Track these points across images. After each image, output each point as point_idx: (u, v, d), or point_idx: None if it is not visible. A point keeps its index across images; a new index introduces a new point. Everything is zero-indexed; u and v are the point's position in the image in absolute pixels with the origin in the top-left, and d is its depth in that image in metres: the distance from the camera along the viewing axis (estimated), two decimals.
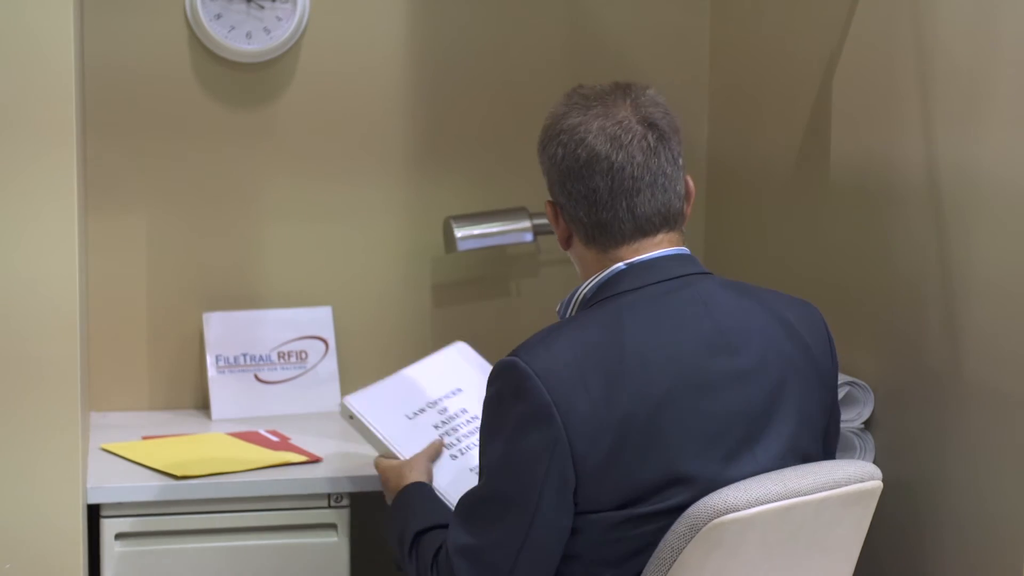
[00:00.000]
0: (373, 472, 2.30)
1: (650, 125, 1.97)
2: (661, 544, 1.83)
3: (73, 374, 2.14)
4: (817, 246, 2.57)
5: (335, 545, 2.40)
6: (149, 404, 2.85)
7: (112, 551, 2.33)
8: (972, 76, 2.08)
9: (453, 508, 2.00)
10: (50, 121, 2.10)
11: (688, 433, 1.85)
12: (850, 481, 1.90)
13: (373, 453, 2.34)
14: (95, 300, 2.74)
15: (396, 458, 2.28)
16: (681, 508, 1.83)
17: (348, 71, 2.86)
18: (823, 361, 2.00)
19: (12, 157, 2.09)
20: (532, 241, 2.86)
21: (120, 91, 2.76)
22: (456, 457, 2.29)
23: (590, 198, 1.94)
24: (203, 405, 2.84)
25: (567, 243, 2.02)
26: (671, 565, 1.82)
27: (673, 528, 1.82)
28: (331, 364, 2.86)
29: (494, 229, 2.83)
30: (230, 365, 2.82)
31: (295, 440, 2.59)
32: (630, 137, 1.95)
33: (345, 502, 2.39)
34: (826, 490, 1.87)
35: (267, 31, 2.79)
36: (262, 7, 2.78)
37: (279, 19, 2.79)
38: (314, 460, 2.46)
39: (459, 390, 2.41)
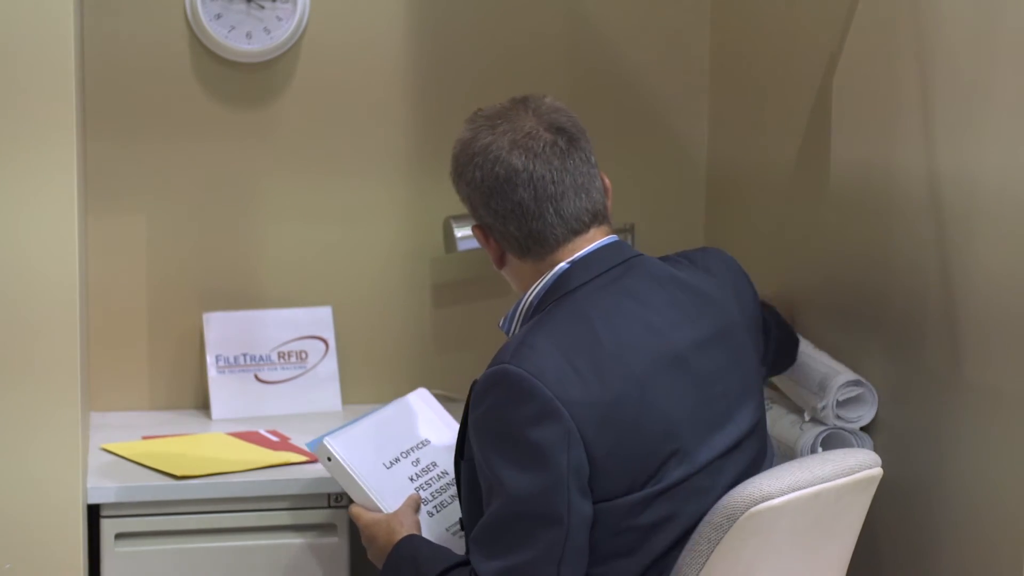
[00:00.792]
0: None
1: (558, 130, 2.00)
2: (696, 536, 1.87)
3: (73, 374, 2.14)
4: (817, 248, 2.57)
5: (335, 545, 2.40)
6: (149, 404, 2.85)
7: (112, 551, 2.33)
8: (973, 81, 2.08)
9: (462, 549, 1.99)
10: (50, 121, 2.10)
11: (675, 406, 1.91)
12: (861, 468, 1.97)
13: None
14: (95, 300, 2.74)
15: (377, 509, 2.18)
16: (679, 483, 1.89)
17: (348, 71, 2.86)
18: (745, 297, 2.10)
19: (12, 156, 2.09)
20: None
21: (120, 91, 2.76)
22: (432, 514, 2.22)
23: (517, 211, 1.98)
24: (203, 405, 2.84)
25: (500, 262, 2.05)
26: (709, 555, 1.85)
27: (708, 519, 1.87)
28: (331, 364, 2.86)
29: None
30: (230, 365, 2.82)
31: (295, 440, 2.59)
32: (542, 145, 1.98)
33: (345, 502, 2.39)
34: (844, 476, 1.94)
35: (267, 31, 2.79)
36: (262, 7, 2.78)
37: (279, 19, 2.79)
38: (314, 460, 2.46)
39: (427, 441, 2.31)
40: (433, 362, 2.93)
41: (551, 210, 1.97)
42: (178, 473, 2.36)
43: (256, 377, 2.83)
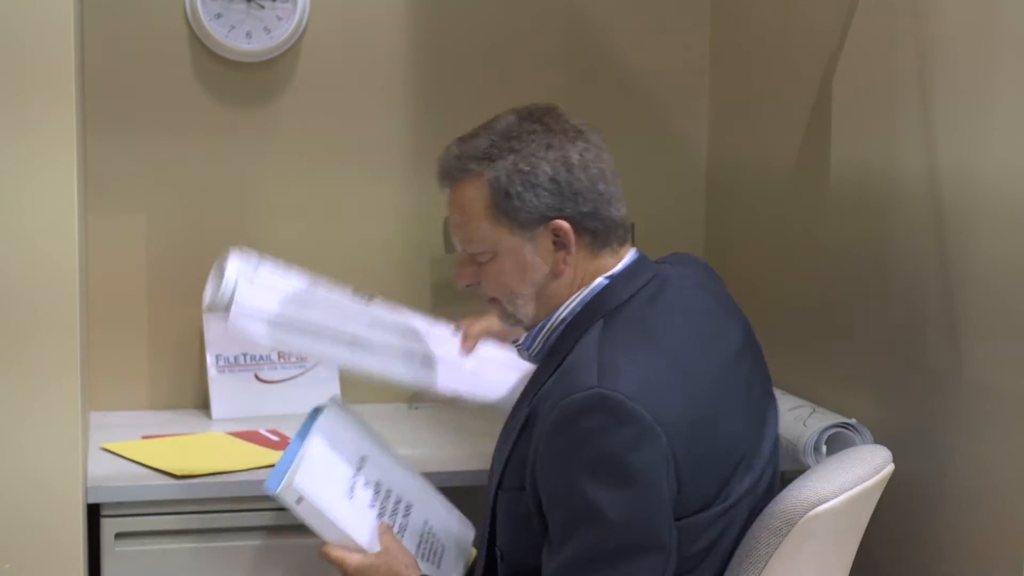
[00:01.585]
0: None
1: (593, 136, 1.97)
2: (752, 541, 1.87)
3: (73, 373, 2.14)
4: (817, 248, 2.57)
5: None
6: (149, 404, 2.85)
7: (112, 551, 2.32)
8: (973, 78, 2.08)
9: None
10: (50, 120, 2.10)
11: (738, 419, 1.90)
12: (885, 465, 2.02)
13: None
14: (95, 299, 2.74)
15: (358, 548, 2.01)
16: (746, 494, 1.88)
17: (348, 71, 2.86)
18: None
19: (12, 156, 2.09)
20: None
21: (120, 91, 2.76)
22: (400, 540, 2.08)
23: (596, 200, 1.92)
24: (203, 405, 2.84)
25: (559, 269, 1.93)
26: (768, 560, 1.86)
27: (765, 524, 1.87)
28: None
29: None
30: (230, 365, 2.82)
31: None
32: (595, 151, 1.95)
33: None
34: (875, 475, 1.98)
35: (267, 31, 2.79)
36: (262, 7, 2.78)
37: (279, 19, 2.79)
38: None
39: (365, 458, 2.15)
40: None
41: (614, 209, 1.94)
42: (178, 473, 2.36)
43: (256, 377, 2.83)
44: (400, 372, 2.20)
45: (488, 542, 1.99)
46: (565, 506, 1.80)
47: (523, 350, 2.00)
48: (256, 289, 2.11)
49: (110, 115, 2.75)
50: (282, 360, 2.84)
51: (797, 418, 2.41)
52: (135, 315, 2.81)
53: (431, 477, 2.26)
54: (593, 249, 1.94)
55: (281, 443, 2.58)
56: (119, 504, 2.33)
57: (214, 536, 2.36)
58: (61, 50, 2.09)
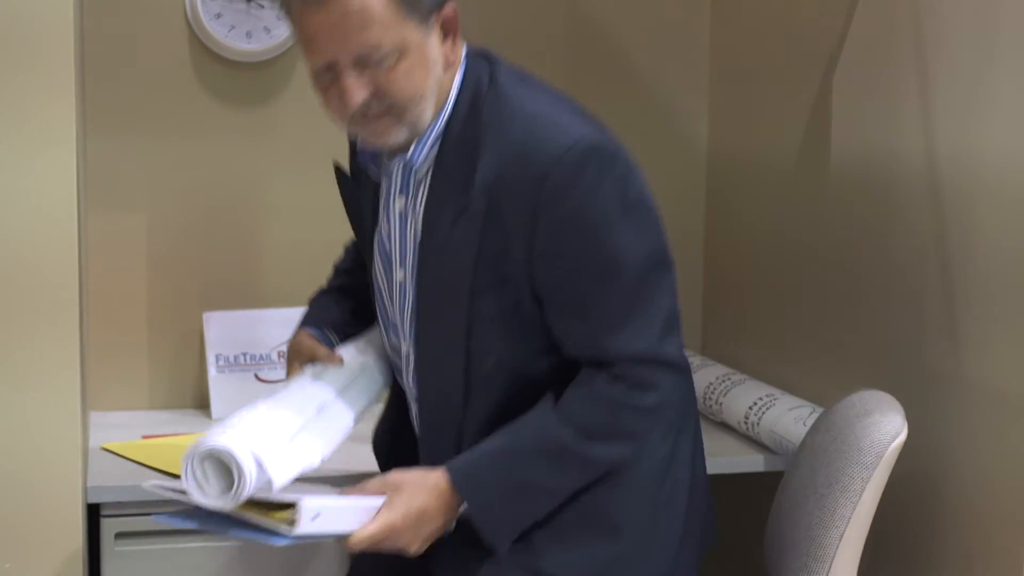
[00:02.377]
0: (374, 469, 2.20)
1: None
2: (847, 478, 2.04)
3: (73, 373, 2.14)
4: (817, 242, 2.56)
5: (335, 545, 2.40)
6: (149, 404, 2.84)
7: (112, 550, 2.32)
8: (972, 70, 2.08)
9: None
10: (50, 120, 2.10)
11: None
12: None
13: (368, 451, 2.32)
14: (95, 299, 2.74)
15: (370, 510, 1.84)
16: None
17: None
18: None
19: (13, 156, 2.09)
20: None
21: (120, 91, 2.76)
22: None
23: None
24: (203, 405, 2.84)
25: (452, 52, 1.88)
26: (861, 493, 2.04)
27: (856, 460, 2.05)
28: None
29: None
30: (230, 365, 2.82)
31: None
32: None
33: None
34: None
35: (267, 30, 2.79)
36: (262, 6, 2.78)
37: (279, 18, 2.78)
38: None
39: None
40: None
41: None
42: (178, 472, 2.35)
43: (256, 377, 2.83)
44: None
45: (466, 366, 1.90)
46: (591, 264, 1.83)
47: (410, 165, 1.91)
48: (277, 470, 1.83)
49: (110, 115, 2.75)
50: (282, 360, 2.84)
51: (797, 418, 2.41)
52: (135, 315, 2.81)
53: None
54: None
55: None
56: (119, 504, 2.32)
57: (214, 536, 2.36)
58: (61, 50, 2.09)
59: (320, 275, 2.92)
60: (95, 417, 2.75)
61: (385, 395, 2.14)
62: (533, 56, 2.94)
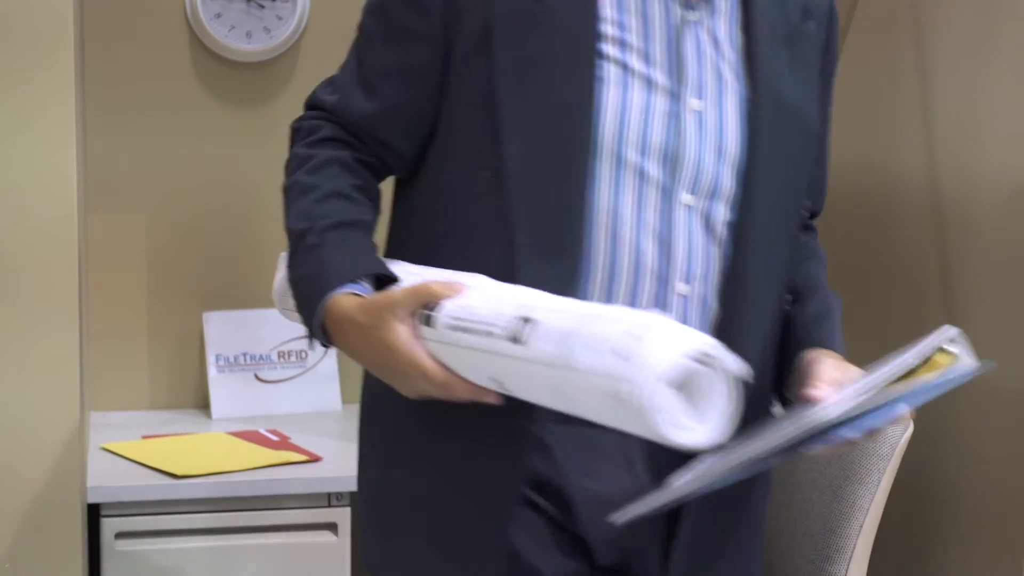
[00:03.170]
0: None
1: None
2: (863, 470, 2.02)
3: (73, 373, 2.14)
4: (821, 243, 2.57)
5: (335, 545, 2.40)
6: (149, 403, 2.85)
7: (112, 550, 2.32)
8: (972, 80, 2.08)
9: None
10: (51, 120, 2.10)
11: None
12: None
13: None
14: (95, 299, 2.74)
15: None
16: None
17: None
18: None
19: (12, 156, 2.09)
20: None
21: (120, 90, 2.76)
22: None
23: None
24: (203, 405, 2.84)
25: None
26: (879, 483, 2.02)
27: (873, 451, 2.01)
28: (331, 363, 2.86)
29: None
30: (230, 364, 2.82)
31: (295, 440, 2.59)
32: None
33: (345, 502, 2.39)
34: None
35: (267, 30, 2.79)
36: (262, 6, 2.78)
37: (279, 18, 2.79)
38: (314, 460, 2.46)
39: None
40: None
41: None
42: (178, 472, 2.36)
43: (256, 376, 2.83)
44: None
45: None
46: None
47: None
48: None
49: (110, 114, 2.75)
50: (282, 360, 2.85)
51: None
52: (135, 315, 2.81)
53: None
54: None
55: (281, 443, 2.58)
56: (119, 504, 2.33)
57: (214, 536, 2.37)
58: (61, 49, 2.09)
59: None
60: (95, 417, 2.75)
61: None
62: None
